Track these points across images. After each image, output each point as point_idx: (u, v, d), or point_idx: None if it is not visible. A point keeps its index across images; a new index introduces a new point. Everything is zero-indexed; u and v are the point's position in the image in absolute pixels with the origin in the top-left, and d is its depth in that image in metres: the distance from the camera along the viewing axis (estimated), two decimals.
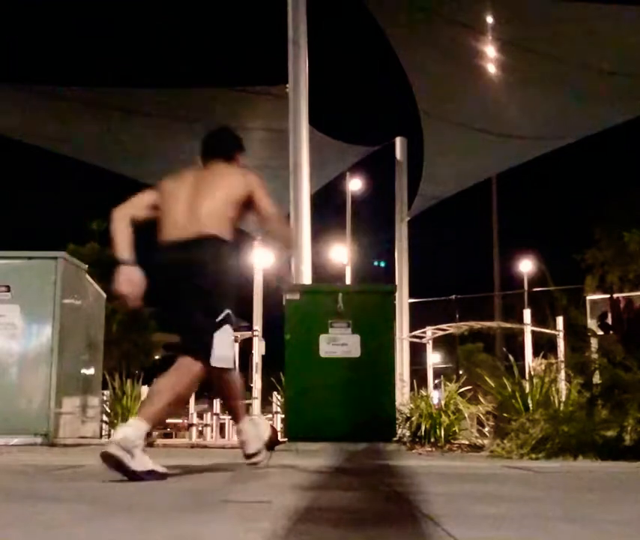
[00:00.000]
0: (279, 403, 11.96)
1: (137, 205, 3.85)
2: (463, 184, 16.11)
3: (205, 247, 3.61)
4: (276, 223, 4.05)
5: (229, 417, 15.48)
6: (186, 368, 3.53)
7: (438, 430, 7.42)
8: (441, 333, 17.71)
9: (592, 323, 9.23)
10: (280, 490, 2.93)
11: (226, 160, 4.12)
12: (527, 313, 16.75)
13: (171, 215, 3.71)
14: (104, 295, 9.99)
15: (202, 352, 3.53)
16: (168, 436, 18.41)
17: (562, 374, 7.35)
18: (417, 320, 16.43)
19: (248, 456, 3.98)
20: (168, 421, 20.65)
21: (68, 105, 13.06)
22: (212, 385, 3.94)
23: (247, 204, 3.90)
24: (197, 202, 3.72)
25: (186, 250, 3.59)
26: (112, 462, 3.15)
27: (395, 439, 6.76)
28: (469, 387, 8.22)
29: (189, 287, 3.58)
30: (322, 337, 6.49)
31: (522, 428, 5.57)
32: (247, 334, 16.67)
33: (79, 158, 15.86)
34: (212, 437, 15.03)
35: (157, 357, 27.89)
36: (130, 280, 3.57)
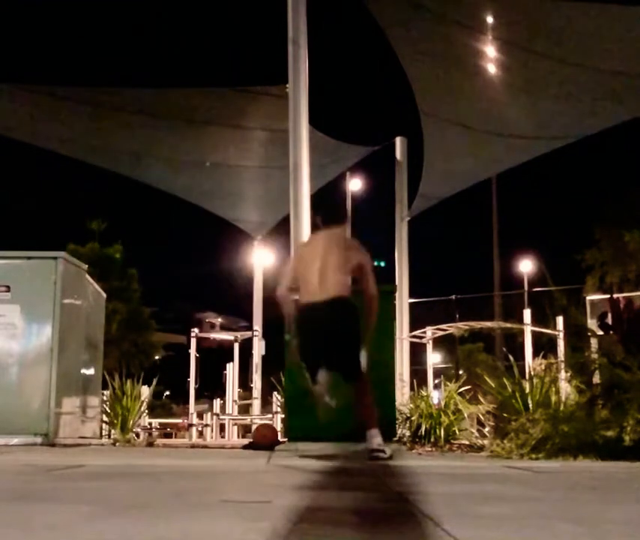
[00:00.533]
0: (279, 403, 11.96)
1: (289, 280, 5.26)
2: (463, 184, 16.10)
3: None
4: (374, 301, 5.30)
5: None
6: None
7: (438, 430, 7.42)
8: (441, 333, 17.71)
9: (592, 323, 9.23)
10: (280, 490, 2.93)
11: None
12: (527, 313, 16.76)
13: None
14: (104, 295, 9.99)
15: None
16: (168, 436, 18.43)
17: (562, 374, 7.35)
18: (417, 320, 16.42)
19: (371, 450, 4.95)
20: (168, 421, 20.70)
21: (68, 105, 13.06)
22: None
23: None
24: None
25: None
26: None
27: (395, 439, 6.75)
28: (469, 387, 8.22)
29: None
30: None
31: (522, 428, 5.57)
32: (247, 334, 16.69)
33: (79, 158, 15.86)
34: (212, 437, 15.02)
35: (156, 357, 27.90)
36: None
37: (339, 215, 5.61)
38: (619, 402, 5.10)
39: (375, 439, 4.96)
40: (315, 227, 5.55)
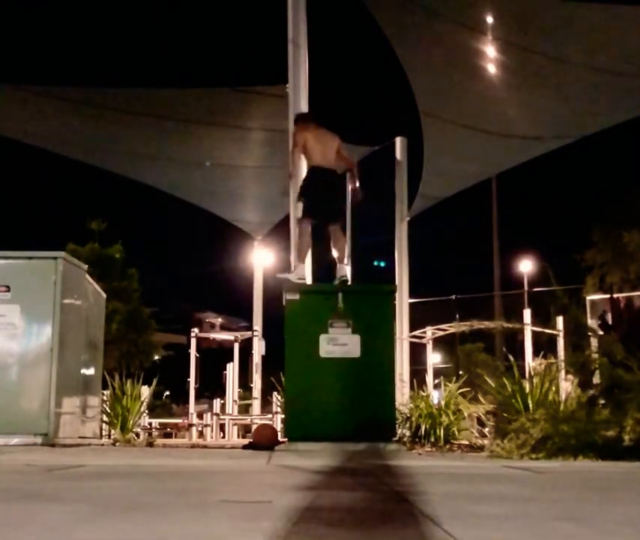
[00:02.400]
0: (279, 403, 11.95)
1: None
2: (463, 184, 16.11)
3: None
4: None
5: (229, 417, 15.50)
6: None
7: (438, 430, 7.42)
8: (441, 333, 17.72)
9: (592, 323, 9.23)
10: (280, 490, 2.93)
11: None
12: (527, 313, 16.76)
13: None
14: (104, 295, 9.98)
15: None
16: (168, 436, 18.43)
17: (562, 374, 7.36)
18: (417, 320, 16.42)
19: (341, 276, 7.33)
20: (168, 421, 20.69)
21: (68, 105, 13.06)
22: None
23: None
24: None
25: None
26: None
27: (395, 439, 6.75)
28: (469, 387, 8.22)
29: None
30: (322, 337, 6.48)
31: (522, 428, 5.57)
32: (247, 334, 16.69)
33: (79, 159, 15.87)
34: (212, 437, 15.03)
35: (156, 357, 27.90)
36: None
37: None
38: (619, 402, 5.10)
39: (345, 268, 7.25)
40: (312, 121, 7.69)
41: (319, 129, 7.58)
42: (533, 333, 16.00)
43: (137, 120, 13.77)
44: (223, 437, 15.18)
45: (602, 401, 5.49)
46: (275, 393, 12.30)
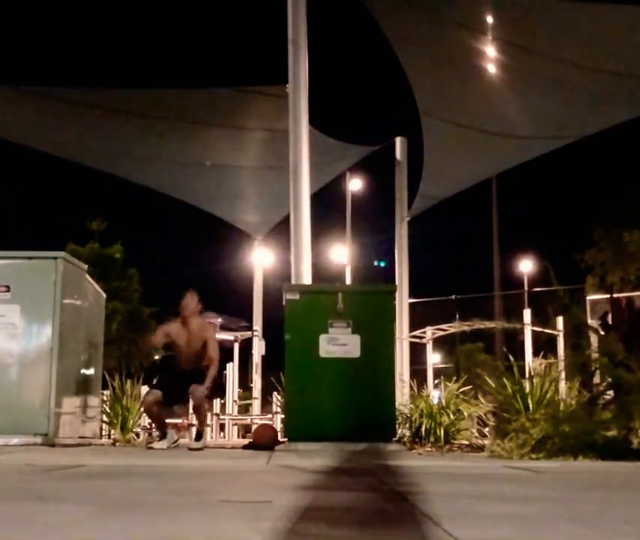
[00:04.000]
0: (279, 403, 11.95)
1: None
2: (463, 184, 16.10)
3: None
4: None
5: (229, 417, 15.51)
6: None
7: (438, 430, 7.41)
8: (441, 333, 17.71)
9: (592, 323, 9.23)
10: (280, 490, 2.93)
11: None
12: (527, 313, 16.75)
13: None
14: (104, 295, 9.98)
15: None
16: None
17: (562, 374, 7.35)
18: (417, 320, 16.41)
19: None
20: (168, 421, 20.69)
21: (67, 107, 13.05)
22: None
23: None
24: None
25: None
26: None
27: (395, 439, 6.75)
28: (469, 387, 8.22)
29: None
30: (322, 337, 6.48)
31: (522, 428, 5.57)
32: (247, 334, 16.69)
33: (79, 161, 15.85)
34: (212, 437, 15.01)
35: (156, 357, 27.89)
36: None
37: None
38: (622, 403, 5.09)
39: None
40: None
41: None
42: (533, 333, 15.99)
43: (137, 121, 13.76)
44: (223, 437, 15.18)
45: (602, 401, 5.49)
46: (275, 393, 12.30)
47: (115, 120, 13.66)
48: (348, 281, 21.49)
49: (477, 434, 8.08)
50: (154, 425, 8.02)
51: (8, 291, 7.31)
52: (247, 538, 1.78)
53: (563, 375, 7.37)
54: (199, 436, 7.67)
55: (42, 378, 7.20)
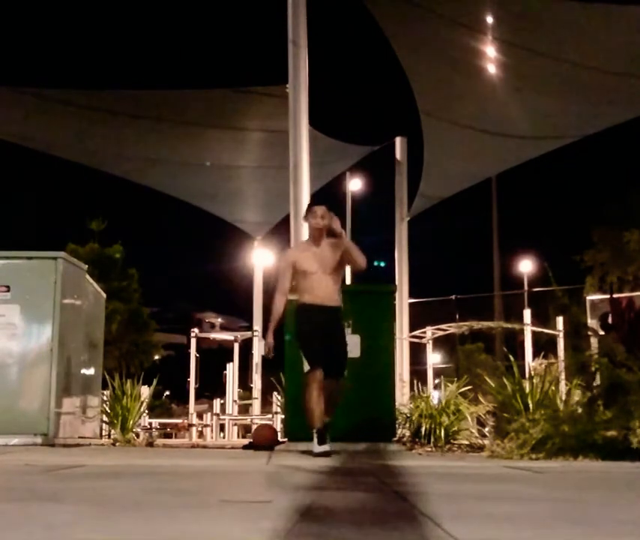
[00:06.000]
0: (279, 403, 11.95)
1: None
2: (463, 184, 16.10)
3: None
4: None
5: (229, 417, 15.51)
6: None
7: (438, 431, 7.41)
8: (441, 333, 17.72)
9: (592, 323, 9.23)
10: (280, 490, 2.93)
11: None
12: (527, 313, 16.76)
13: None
14: (104, 295, 9.98)
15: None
16: (168, 436, 18.41)
17: (562, 374, 7.35)
18: (417, 320, 16.42)
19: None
20: (168, 421, 20.70)
21: (67, 108, 13.05)
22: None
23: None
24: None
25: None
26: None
27: (395, 439, 6.75)
28: (469, 387, 8.22)
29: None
30: None
31: (522, 428, 5.56)
32: (247, 334, 16.69)
33: (79, 162, 15.86)
34: (212, 437, 15.03)
35: (156, 357, 27.89)
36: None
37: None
38: (623, 403, 5.09)
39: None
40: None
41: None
42: (533, 333, 16.00)
43: (137, 121, 13.77)
44: (223, 437, 15.18)
45: (602, 402, 5.48)
46: (275, 393, 12.30)
47: (115, 120, 13.66)
48: (347, 281, 21.48)
49: (476, 434, 8.08)
50: (311, 418, 5.52)
51: (8, 291, 7.31)
52: (247, 538, 1.78)
53: (563, 375, 7.37)
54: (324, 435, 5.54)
55: (42, 378, 7.20)
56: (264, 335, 5.94)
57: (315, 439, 5.46)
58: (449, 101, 12.85)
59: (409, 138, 15.00)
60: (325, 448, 5.43)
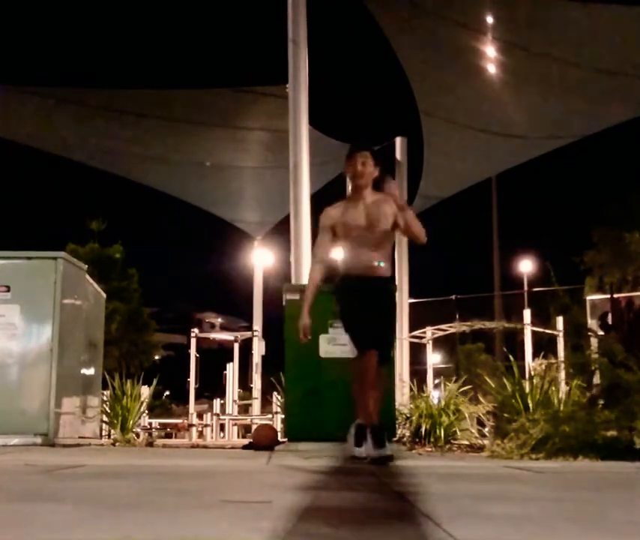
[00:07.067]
0: (279, 403, 11.95)
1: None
2: (463, 184, 16.12)
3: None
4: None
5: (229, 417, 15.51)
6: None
7: (438, 430, 7.41)
8: (441, 333, 17.72)
9: (592, 323, 9.23)
10: (280, 490, 2.93)
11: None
12: (527, 313, 16.76)
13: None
14: (104, 295, 9.98)
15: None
16: (168, 436, 18.41)
17: (562, 374, 7.35)
18: (417, 320, 16.43)
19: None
20: (168, 421, 20.70)
21: (67, 107, 13.06)
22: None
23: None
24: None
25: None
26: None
27: (395, 439, 6.75)
28: (469, 387, 8.22)
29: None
30: (322, 337, 6.47)
31: (522, 428, 5.56)
32: (247, 334, 16.69)
33: (79, 160, 15.86)
34: (212, 437, 15.02)
35: (156, 357, 27.90)
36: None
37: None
38: (626, 404, 5.09)
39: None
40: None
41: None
42: (533, 333, 16.00)
43: (137, 121, 13.77)
44: (223, 437, 15.18)
45: (602, 402, 5.49)
46: (275, 393, 12.30)
47: (116, 120, 13.66)
48: None
49: (476, 434, 8.08)
50: (364, 412, 4.69)
51: (8, 291, 7.31)
52: (247, 538, 1.78)
53: (563, 375, 7.37)
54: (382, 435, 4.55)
55: (42, 378, 7.20)
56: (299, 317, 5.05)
57: (370, 440, 4.48)
58: (449, 101, 12.86)
59: (409, 138, 15.00)
60: (385, 452, 4.39)
